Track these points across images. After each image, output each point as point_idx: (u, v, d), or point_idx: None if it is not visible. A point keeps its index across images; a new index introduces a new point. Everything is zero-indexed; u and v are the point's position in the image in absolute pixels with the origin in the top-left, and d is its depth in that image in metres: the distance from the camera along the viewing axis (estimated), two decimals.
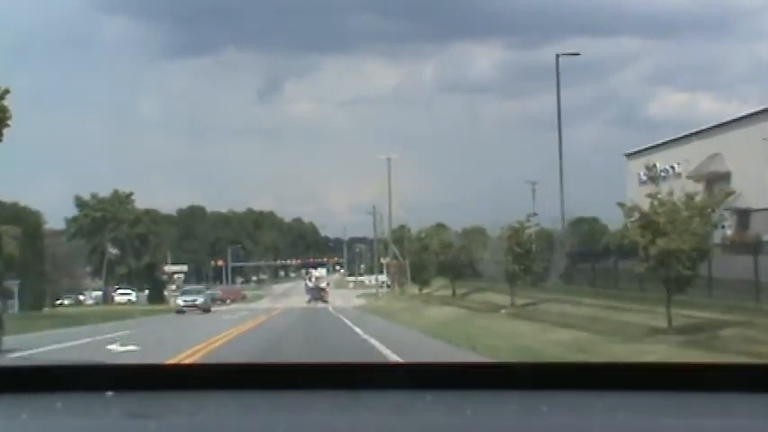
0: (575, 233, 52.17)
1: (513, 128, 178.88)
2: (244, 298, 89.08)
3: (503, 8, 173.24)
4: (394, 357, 16.60)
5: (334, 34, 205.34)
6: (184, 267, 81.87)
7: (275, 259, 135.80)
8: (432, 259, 52.41)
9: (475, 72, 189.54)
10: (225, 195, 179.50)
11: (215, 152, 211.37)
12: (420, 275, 57.26)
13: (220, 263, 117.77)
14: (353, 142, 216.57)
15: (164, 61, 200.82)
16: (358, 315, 40.59)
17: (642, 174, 43.26)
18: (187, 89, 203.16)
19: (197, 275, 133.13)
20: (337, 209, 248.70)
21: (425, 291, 55.14)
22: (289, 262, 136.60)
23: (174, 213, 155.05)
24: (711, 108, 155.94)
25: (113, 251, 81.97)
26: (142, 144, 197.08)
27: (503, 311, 30.83)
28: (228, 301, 79.22)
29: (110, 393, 2.10)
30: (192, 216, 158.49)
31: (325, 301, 66.85)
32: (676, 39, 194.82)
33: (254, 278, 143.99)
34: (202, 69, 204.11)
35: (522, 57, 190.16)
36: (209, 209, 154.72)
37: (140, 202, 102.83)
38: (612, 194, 43.79)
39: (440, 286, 53.81)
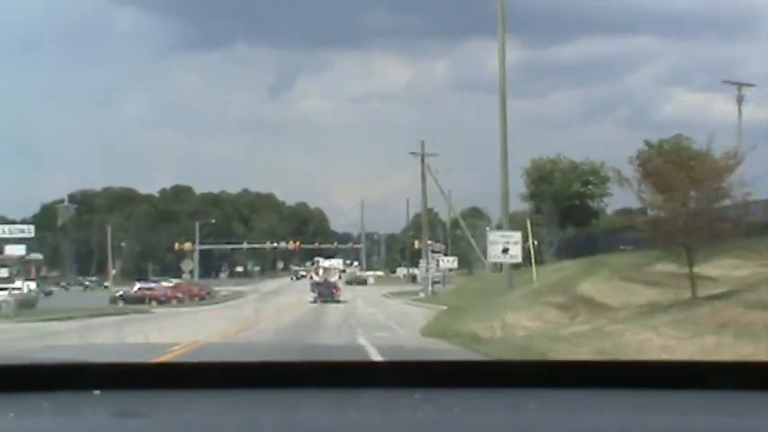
0: None
1: (527, 127, 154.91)
2: (205, 297, 57.53)
3: (517, 6, 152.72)
4: None
5: (346, 30, 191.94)
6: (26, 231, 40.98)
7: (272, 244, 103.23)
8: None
9: (489, 70, 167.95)
10: (230, 190, 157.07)
11: (221, 147, 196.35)
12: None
13: (187, 245, 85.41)
14: (364, 139, 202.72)
15: (174, 55, 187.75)
16: None
17: None
18: (197, 83, 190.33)
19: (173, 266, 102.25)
20: (346, 206, 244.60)
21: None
22: (286, 245, 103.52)
23: (155, 193, 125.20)
24: (727, 109, 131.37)
25: None
26: (149, 137, 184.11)
27: None
28: (175, 301, 48.34)
29: (97, 392, 2.10)
30: (177, 197, 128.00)
31: (337, 301, 49.94)
32: (691, 39, 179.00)
33: (240, 269, 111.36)
34: (213, 64, 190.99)
35: (537, 55, 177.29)
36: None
37: None
38: None
39: None
